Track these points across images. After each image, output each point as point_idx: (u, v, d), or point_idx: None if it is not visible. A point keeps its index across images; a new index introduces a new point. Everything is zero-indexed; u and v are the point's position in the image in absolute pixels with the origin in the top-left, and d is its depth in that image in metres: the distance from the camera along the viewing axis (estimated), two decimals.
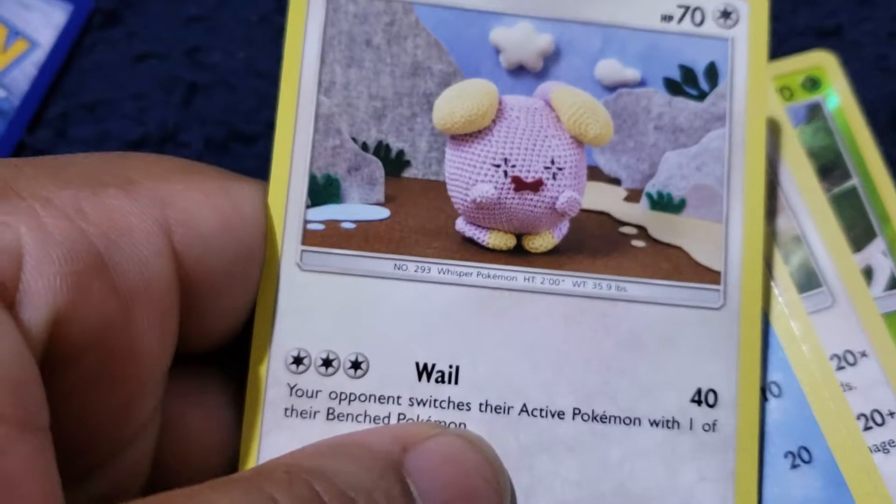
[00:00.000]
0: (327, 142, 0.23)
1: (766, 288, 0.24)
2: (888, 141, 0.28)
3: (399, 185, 0.23)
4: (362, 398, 0.22)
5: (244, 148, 0.32)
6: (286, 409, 0.22)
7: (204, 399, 0.22)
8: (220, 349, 0.23)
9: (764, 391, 0.24)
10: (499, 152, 0.23)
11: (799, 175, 0.26)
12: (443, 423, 0.22)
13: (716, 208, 0.24)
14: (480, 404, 0.22)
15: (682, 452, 0.22)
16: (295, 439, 0.22)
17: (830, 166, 0.27)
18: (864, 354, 0.25)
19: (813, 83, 0.28)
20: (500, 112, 0.23)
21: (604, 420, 0.22)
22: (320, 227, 0.23)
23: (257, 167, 0.32)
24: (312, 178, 0.23)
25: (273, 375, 0.22)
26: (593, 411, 0.22)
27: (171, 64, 0.32)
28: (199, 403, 0.22)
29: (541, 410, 0.22)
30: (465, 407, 0.22)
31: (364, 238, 0.23)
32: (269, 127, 0.32)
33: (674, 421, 0.23)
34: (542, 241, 0.23)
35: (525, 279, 0.23)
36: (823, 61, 0.28)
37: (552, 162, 0.23)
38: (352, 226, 0.23)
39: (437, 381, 0.22)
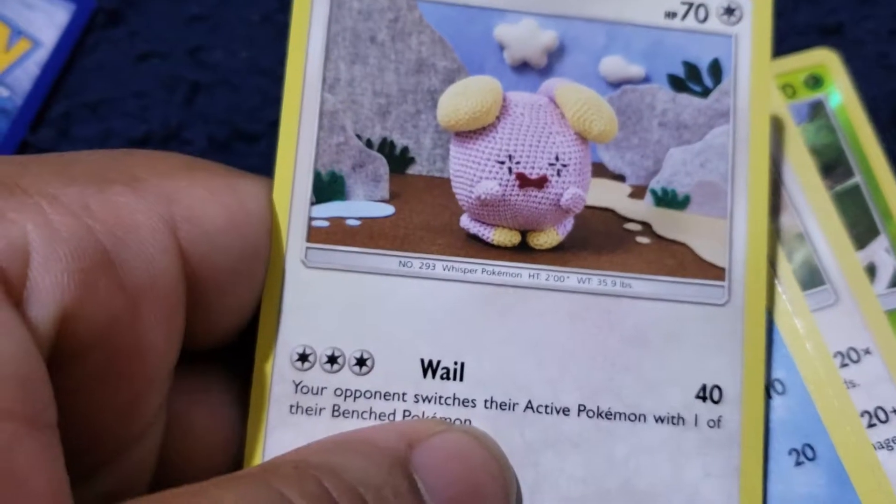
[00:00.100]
0: (332, 139, 0.23)
1: (769, 285, 0.24)
2: (890, 138, 0.28)
3: (403, 182, 0.23)
4: (367, 395, 0.22)
5: (247, 147, 0.32)
6: (291, 406, 0.22)
7: (209, 396, 0.22)
8: (225, 346, 0.23)
9: (768, 389, 0.24)
10: (503, 149, 0.23)
11: (802, 173, 0.26)
12: (448, 420, 0.22)
13: (720, 204, 0.24)
14: (485, 401, 0.22)
15: (687, 449, 0.22)
16: (300, 436, 0.22)
17: (833, 164, 0.27)
18: (867, 352, 0.25)
19: (815, 81, 0.28)
20: (505, 109, 0.23)
21: (609, 416, 0.22)
22: (325, 224, 0.23)
23: (260, 166, 0.32)
24: (317, 175, 0.23)
25: (278, 372, 0.22)
26: (598, 408, 0.22)
27: (174, 63, 0.32)
28: (204, 401, 0.22)
29: (546, 407, 0.22)
30: (471, 404, 0.22)
31: (369, 235, 0.23)
32: (272, 126, 0.32)
33: (679, 417, 0.23)
34: (547, 238, 0.23)
35: (530, 276, 0.23)
36: (825, 59, 0.28)
37: (556, 158, 0.23)
38: (356, 223, 0.23)
39: (442, 377, 0.22)
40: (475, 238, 0.23)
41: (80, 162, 0.21)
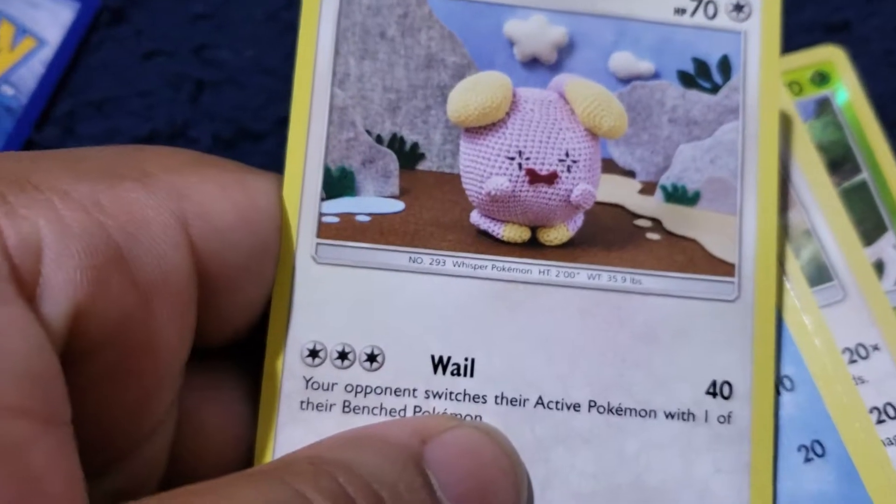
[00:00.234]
0: (342, 134, 0.23)
1: (778, 282, 0.24)
2: None
3: (413, 178, 0.23)
4: (378, 391, 0.22)
5: (252, 145, 0.32)
6: (302, 402, 0.22)
7: (219, 393, 0.22)
8: (235, 343, 0.23)
9: (777, 385, 0.24)
10: (513, 145, 0.23)
11: (809, 170, 0.26)
12: (459, 416, 0.22)
13: (730, 201, 0.24)
14: (496, 397, 0.22)
15: (697, 444, 0.22)
16: (311, 432, 0.22)
17: (840, 161, 0.27)
18: (876, 348, 0.25)
19: (822, 78, 0.28)
20: (515, 104, 0.23)
21: (619, 412, 0.22)
22: (335, 219, 0.23)
23: (265, 164, 0.31)
24: (327, 171, 0.23)
25: (289, 368, 0.22)
26: (609, 404, 0.22)
27: (179, 61, 0.32)
28: (214, 397, 0.22)
29: (556, 403, 0.22)
30: (481, 399, 0.22)
31: (379, 231, 0.23)
32: (278, 124, 0.32)
33: (689, 413, 0.23)
34: (557, 234, 0.23)
35: (540, 272, 0.23)
36: (832, 56, 0.28)
37: (567, 154, 0.23)
38: (366, 219, 0.23)
39: (452, 373, 0.22)
40: (485, 234, 0.23)
41: (89, 158, 0.20)
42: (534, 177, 0.23)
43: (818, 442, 0.24)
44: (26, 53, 0.31)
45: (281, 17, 0.33)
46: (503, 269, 0.23)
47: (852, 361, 0.25)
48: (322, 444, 0.20)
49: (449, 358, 0.22)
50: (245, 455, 0.22)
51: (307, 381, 0.22)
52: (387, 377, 0.22)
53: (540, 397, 0.22)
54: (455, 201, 0.23)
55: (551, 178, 0.23)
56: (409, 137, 0.23)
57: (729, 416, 0.23)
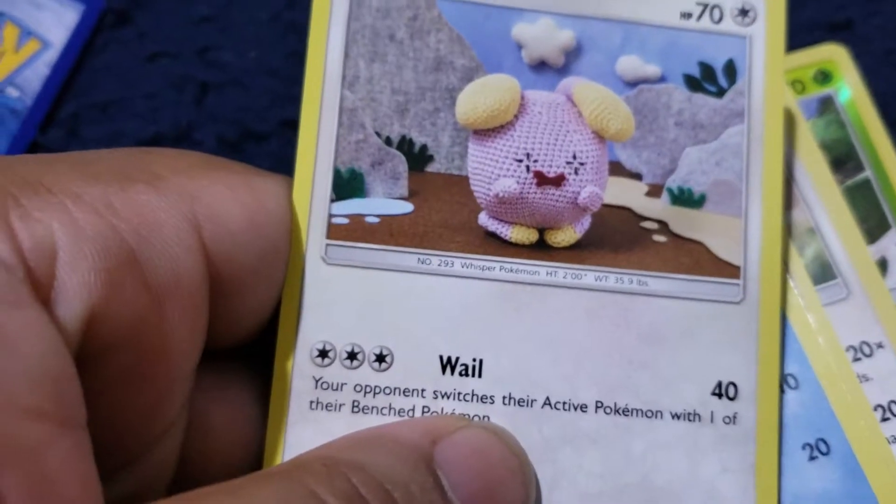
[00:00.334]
0: (351, 136, 0.23)
1: (782, 284, 0.24)
2: None
3: (422, 180, 0.23)
4: (387, 391, 0.22)
5: (256, 146, 0.32)
6: (311, 402, 0.22)
7: (229, 394, 0.22)
8: (245, 344, 0.23)
9: (780, 384, 0.24)
10: (521, 147, 0.23)
11: (812, 168, 0.26)
12: (467, 416, 0.22)
13: (735, 203, 0.24)
14: (504, 397, 0.22)
15: (703, 445, 0.23)
16: (320, 432, 0.22)
17: (843, 159, 0.27)
18: (879, 345, 0.25)
19: (824, 76, 0.28)
20: (523, 107, 0.23)
21: (626, 413, 0.23)
22: (345, 220, 0.23)
23: (270, 165, 0.32)
24: (337, 173, 0.23)
25: (299, 368, 0.22)
26: (615, 404, 0.23)
27: (183, 63, 0.32)
28: (223, 398, 0.22)
29: (563, 403, 0.23)
30: (489, 400, 0.22)
31: (388, 232, 0.23)
32: (282, 125, 0.32)
33: (695, 414, 0.23)
34: (564, 236, 0.23)
35: (547, 273, 0.23)
36: (834, 54, 0.28)
37: (574, 157, 0.23)
38: (376, 220, 0.23)
39: (460, 374, 0.22)
40: (493, 236, 0.23)
41: (100, 160, 0.21)
42: (541, 179, 0.23)
43: (823, 440, 0.24)
44: (31, 55, 0.32)
45: (284, 18, 0.33)
46: (511, 270, 0.23)
47: (856, 359, 0.25)
48: (334, 444, 0.20)
49: (457, 358, 0.22)
50: (254, 455, 0.22)
51: (317, 381, 0.22)
52: (396, 377, 0.22)
53: (547, 398, 0.22)
54: (463, 203, 0.23)
55: (559, 181, 0.23)
56: (418, 139, 0.23)
57: (734, 417, 0.23)
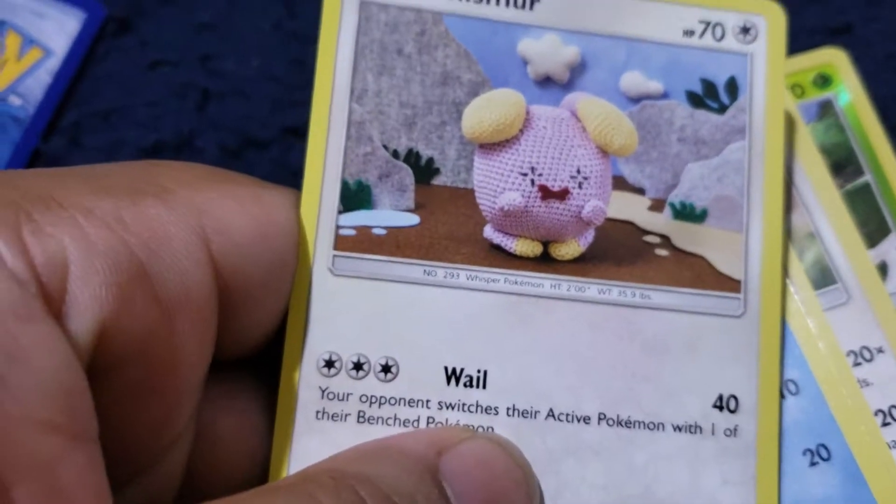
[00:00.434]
0: (359, 149, 0.23)
1: (782, 298, 0.24)
2: None
3: (428, 193, 0.24)
4: (392, 402, 0.22)
5: (258, 154, 0.32)
6: (317, 412, 0.22)
7: (236, 405, 0.23)
8: (252, 354, 0.23)
9: (781, 389, 0.24)
10: (526, 161, 0.24)
11: (812, 172, 0.26)
12: (471, 427, 0.22)
13: (736, 218, 0.24)
14: (508, 408, 0.23)
15: (705, 457, 0.23)
16: (326, 443, 0.22)
17: (843, 163, 0.27)
18: (880, 350, 0.25)
19: (824, 80, 0.28)
20: (528, 122, 0.24)
21: (629, 425, 0.23)
22: (352, 232, 0.23)
23: (271, 173, 0.32)
24: (344, 184, 0.23)
25: (305, 379, 0.22)
26: (618, 416, 0.23)
27: (184, 71, 0.32)
28: (230, 409, 0.22)
29: (567, 415, 0.23)
30: (493, 411, 0.23)
31: (394, 244, 0.23)
32: (283, 133, 0.32)
33: (696, 426, 0.23)
34: (569, 249, 0.24)
35: (552, 286, 0.23)
36: (834, 58, 0.28)
37: (578, 171, 0.24)
38: (382, 232, 0.23)
39: (465, 385, 0.23)
40: (498, 248, 0.24)
41: (110, 174, 0.21)
42: (546, 193, 0.24)
43: (823, 446, 0.24)
44: (33, 64, 0.32)
45: (285, 26, 0.33)
46: (516, 282, 0.23)
47: (857, 364, 0.25)
48: (341, 456, 0.20)
49: (462, 369, 0.23)
50: (260, 466, 0.22)
51: (323, 392, 0.22)
52: (401, 388, 0.22)
53: (551, 409, 0.23)
54: (469, 216, 0.24)
55: (563, 194, 0.24)
56: (425, 152, 0.24)
57: (735, 430, 0.23)
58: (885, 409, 0.25)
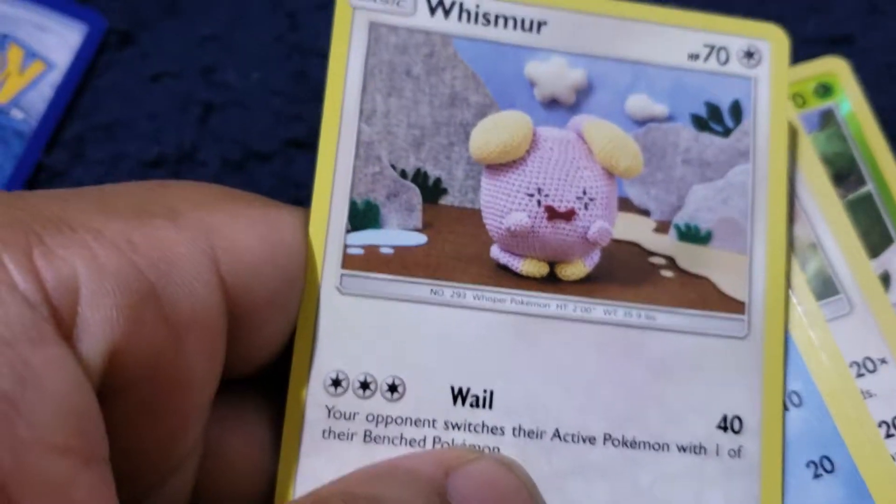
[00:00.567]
0: (367, 168, 0.23)
1: (785, 320, 0.25)
2: None
3: (436, 212, 0.24)
4: (399, 421, 0.22)
5: (260, 167, 0.32)
6: (324, 431, 0.22)
7: (243, 422, 0.23)
8: (260, 373, 0.23)
9: (784, 403, 0.24)
10: (532, 182, 0.24)
11: (814, 182, 0.26)
12: (477, 447, 0.23)
13: (741, 240, 0.24)
14: (514, 429, 0.23)
15: (709, 477, 0.23)
16: (332, 462, 0.22)
17: (845, 173, 0.27)
18: (883, 361, 0.25)
19: (825, 90, 0.28)
20: (534, 143, 0.24)
21: (634, 445, 0.23)
22: (360, 251, 0.23)
23: (274, 185, 0.32)
24: (353, 204, 0.23)
25: (312, 397, 0.22)
26: (624, 437, 0.23)
27: (186, 84, 0.32)
28: (237, 427, 0.22)
29: (573, 436, 0.23)
30: (499, 431, 0.23)
31: (402, 263, 0.23)
32: (285, 145, 0.32)
33: (701, 447, 0.23)
34: (575, 270, 0.24)
35: (557, 306, 0.23)
36: (835, 67, 0.28)
37: (584, 192, 0.24)
38: (390, 251, 0.23)
39: (471, 405, 0.23)
40: (505, 268, 0.24)
41: (119, 195, 0.21)
42: (552, 213, 0.24)
43: (827, 458, 0.24)
44: (35, 77, 0.32)
45: (287, 38, 0.33)
46: (522, 302, 0.23)
47: (860, 375, 0.25)
48: (351, 478, 0.20)
49: (468, 389, 0.23)
50: (267, 484, 0.22)
51: (330, 411, 0.22)
52: (407, 407, 0.23)
53: (557, 430, 0.23)
54: (476, 235, 0.24)
55: (569, 215, 0.24)
56: (433, 173, 0.24)
57: (739, 451, 0.23)
58: (889, 420, 0.25)
